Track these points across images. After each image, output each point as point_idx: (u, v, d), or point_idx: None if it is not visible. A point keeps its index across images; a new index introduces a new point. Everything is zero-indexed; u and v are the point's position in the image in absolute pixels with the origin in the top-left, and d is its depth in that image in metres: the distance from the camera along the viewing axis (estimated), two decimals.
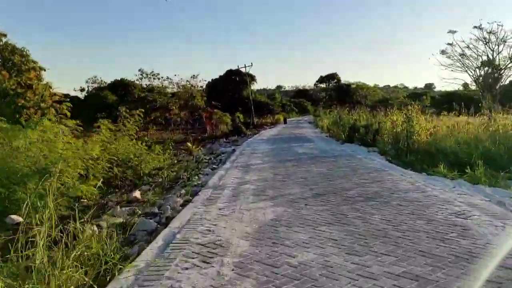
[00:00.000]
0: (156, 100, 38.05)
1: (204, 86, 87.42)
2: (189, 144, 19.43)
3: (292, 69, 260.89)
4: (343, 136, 24.94)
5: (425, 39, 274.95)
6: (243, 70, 58.96)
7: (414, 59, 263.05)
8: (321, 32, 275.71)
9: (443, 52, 39.59)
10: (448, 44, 37.97)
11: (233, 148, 22.69)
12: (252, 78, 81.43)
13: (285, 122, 67.07)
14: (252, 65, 56.41)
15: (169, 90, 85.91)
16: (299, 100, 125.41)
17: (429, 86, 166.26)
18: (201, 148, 24.96)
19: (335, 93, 79.92)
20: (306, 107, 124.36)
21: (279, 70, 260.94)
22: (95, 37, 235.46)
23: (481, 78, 36.59)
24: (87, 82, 67.01)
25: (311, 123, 62.85)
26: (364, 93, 79.23)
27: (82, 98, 62.52)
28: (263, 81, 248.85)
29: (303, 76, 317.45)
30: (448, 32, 37.84)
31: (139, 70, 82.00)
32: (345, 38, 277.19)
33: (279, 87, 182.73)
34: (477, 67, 36.71)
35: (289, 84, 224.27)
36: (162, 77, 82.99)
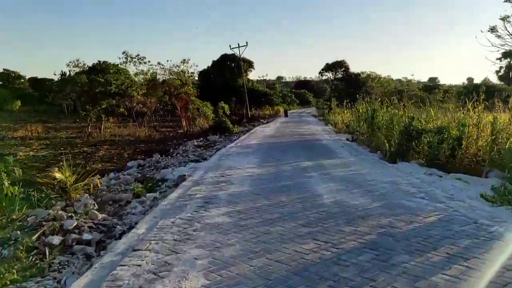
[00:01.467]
0: (111, 83, 26.88)
1: (196, 74, 76.59)
2: (58, 175, 7.71)
3: (293, 60, 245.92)
4: (387, 146, 13.81)
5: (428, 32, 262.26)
6: (236, 51, 47.38)
7: (420, 52, 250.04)
8: (324, 19, 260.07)
9: (493, 29, 28.38)
10: (502, 19, 26.79)
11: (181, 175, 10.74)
12: (250, 64, 70.19)
13: (285, 114, 55.95)
14: (247, 45, 45.24)
15: (160, 77, 74.70)
16: (301, 91, 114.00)
17: (433, 80, 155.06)
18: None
19: (343, 84, 68.61)
20: (307, 99, 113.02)
21: (279, 60, 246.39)
22: (87, 19, 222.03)
23: None
24: (68, 65, 56.54)
25: (316, 117, 51.74)
26: (375, 84, 67.88)
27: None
28: (263, 72, 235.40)
29: (305, 67, 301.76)
30: (504, 1, 26.66)
31: (123, 52, 70.81)
32: (351, 27, 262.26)
33: (279, 78, 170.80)
34: None
35: (290, 75, 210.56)
36: (149, 62, 71.43)
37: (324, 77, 71.69)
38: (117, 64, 71.73)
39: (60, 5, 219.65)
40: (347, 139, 20.26)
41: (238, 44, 44.08)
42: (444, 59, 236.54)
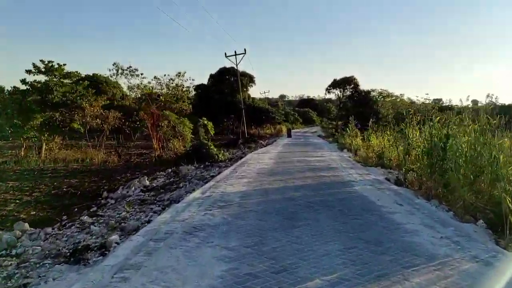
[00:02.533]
0: (52, 90, 19.04)
1: (192, 89, 69.12)
2: None
3: (297, 79, 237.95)
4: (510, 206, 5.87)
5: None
6: (233, 59, 39.73)
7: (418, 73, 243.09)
8: (330, 37, 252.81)
9: None
10: None
11: None
12: (250, 78, 62.88)
13: (289, 134, 48.15)
14: (245, 53, 37.50)
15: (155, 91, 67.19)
16: (304, 110, 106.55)
17: (438, 101, 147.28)
18: None
19: (352, 102, 60.96)
20: (311, 118, 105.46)
21: (282, 79, 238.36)
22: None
23: None
24: None
25: (324, 138, 43.90)
26: (388, 104, 60.26)
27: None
28: (265, 88, 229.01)
29: (309, 86, 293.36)
30: None
31: (114, 64, 63.69)
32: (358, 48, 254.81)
33: (282, 96, 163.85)
34: None
35: (293, 93, 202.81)
36: (142, 74, 64.28)
37: (331, 95, 64.04)
38: (107, 77, 64.45)
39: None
40: (387, 179, 12.43)
41: (235, 52, 36.43)
42: (444, 81, 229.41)
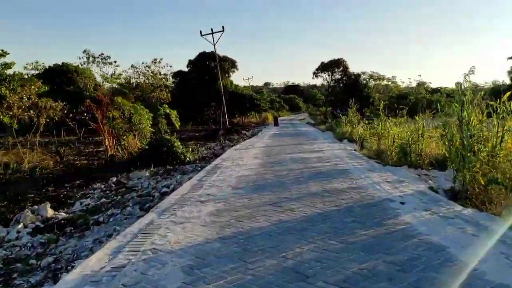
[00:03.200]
0: None
1: (170, 76, 63.26)
2: None
3: (281, 66, 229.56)
4: None
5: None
6: (210, 38, 34.38)
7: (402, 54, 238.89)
8: (316, 21, 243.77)
9: None
10: None
11: None
12: (232, 63, 57.58)
13: (275, 123, 43.28)
14: (223, 31, 32.08)
15: (133, 81, 61.54)
16: (290, 96, 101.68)
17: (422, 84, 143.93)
18: None
19: (341, 87, 56.22)
20: (297, 104, 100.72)
21: (266, 66, 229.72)
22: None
23: None
24: (25, 68, 44.38)
25: (315, 126, 39.24)
26: (380, 87, 55.85)
27: None
28: (249, 75, 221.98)
29: (294, 73, 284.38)
30: None
31: (84, 51, 57.85)
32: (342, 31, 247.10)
33: (266, 84, 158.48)
34: None
35: (277, 80, 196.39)
36: (115, 62, 58.86)
37: (319, 79, 59.23)
38: (78, 65, 58.65)
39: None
40: (433, 190, 7.80)
41: (212, 30, 31.15)
42: (427, 62, 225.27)
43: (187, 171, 12.09)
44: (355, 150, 16.16)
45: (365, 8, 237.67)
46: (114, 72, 61.79)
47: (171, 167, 12.90)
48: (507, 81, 54.61)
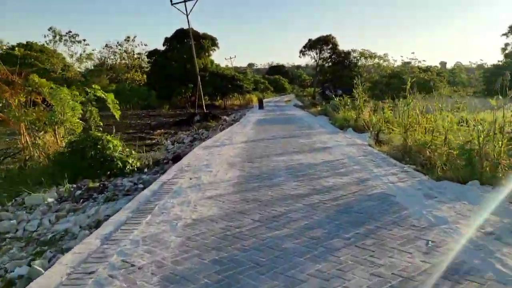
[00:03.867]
0: None
1: (144, 56, 57.13)
2: None
3: (265, 46, 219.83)
4: None
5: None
6: (181, 7, 28.91)
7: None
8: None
9: None
10: None
11: None
12: (213, 41, 51.91)
13: (260, 105, 38.34)
14: (197, 1, 26.52)
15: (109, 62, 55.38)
16: (275, 77, 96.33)
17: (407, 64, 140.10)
18: None
19: (330, 66, 51.29)
20: (283, 85, 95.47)
21: (250, 47, 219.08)
22: None
23: None
24: None
25: (304, 109, 34.57)
26: (370, 66, 51.09)
27: None
28: (231, 54, 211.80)
29: (278, 54, 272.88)
30: None
31: (50, 29, 51.59)
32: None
33: (250, 65, 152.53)
34: None
35: (262, 61, 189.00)
36: (84, 41, 52.66)
37: (306, 58, 54.14)
38: (43, 44, 52.25)
39: None
40: None
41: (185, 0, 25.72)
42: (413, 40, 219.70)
43: (118, 194, 7.23)
44: (370, 145, 11.47)
45: None
46: (84, 51, 55.87)
47: (101, 183, 8.04)
48: (500, 58, 50.54)
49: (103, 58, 58.05)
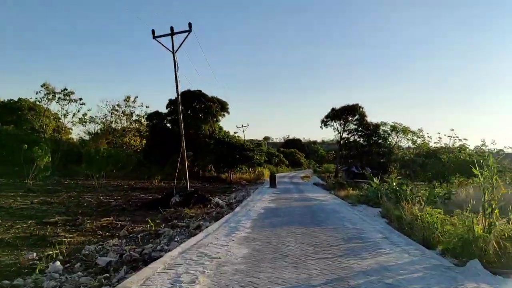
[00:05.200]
0: None
1: (144, 119, 49.67)
2: None
3: (282, 121, 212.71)
4: None
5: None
6: (166, 42, 21.03)
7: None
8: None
9: None
10: None
11: None
12: (222, 106, 44.71)
13: (272, 183, 29.06)
14: (190, 31, 18.83)
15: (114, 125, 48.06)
16: (291, 151, 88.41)
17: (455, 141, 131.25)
18: None
19: (356, 140, 42.74)
20: (298, 160, 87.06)
21: (266, 123, 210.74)
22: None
23: None
24: None
25: (330, 191, 25.37)
26: (404, 143, 42.25)
27: None
28: (242, 124, 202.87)
29: (295, 129, 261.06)
30: None
31: (43, 85, 45.19)
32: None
33: (266, 138, 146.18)
34: None
35: (277, 135, 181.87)
36: (80, 100, 45.43)
37: (328, 129, 45.98)
38: (35, 102, 45.86)
39: None
40: None
41: (171, 30, 17.99)
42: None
43: None
44: None
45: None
46: (78, 111, 49.11)
47: None
48: None
49: (107, 121, 50.73)
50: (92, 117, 47.98)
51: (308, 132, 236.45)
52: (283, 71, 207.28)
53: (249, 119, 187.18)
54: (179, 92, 19.87)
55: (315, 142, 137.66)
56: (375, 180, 18.48)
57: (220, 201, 16.84)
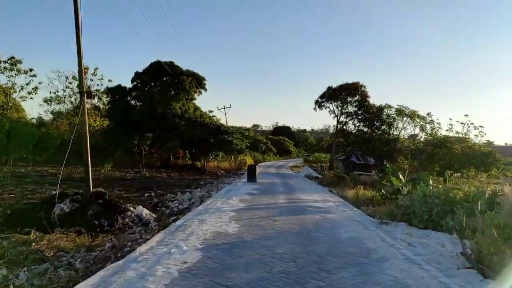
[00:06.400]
0: None
1: (102, 94, 40.48)
2: None
3: (271, 110, 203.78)
4: None
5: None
6: None
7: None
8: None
9: None
10: None
11: None
12: (198, 81, 36.84)
13: (251, 175, 20.92)
14: None
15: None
16: (279, 138, 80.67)
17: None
18: None
19: (363, 122, 35.09)
20: (287, 148, 79.33)
21: (255, 110, 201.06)
22: None
23: None
24: None
25: (328, 186, 17.56)
26: (414, 124, 34.77)
27: None
28: (235, 122, 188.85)
29: (285, 116, 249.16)
30: None
31: None
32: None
33: (255, 125, 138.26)
34: None
35: (267, 123, 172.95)
36: (30, 70, 36.61)
37: (322, 111, 38.31)
38: None
39: None
40: None
41: None
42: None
43: None
44: None
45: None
46: (27, 84, 40.66)
47: None
48: None
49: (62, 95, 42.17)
50: (59, 97, 38.94)
51: (297, 122, 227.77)
52: (274, 55, 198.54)
53: (238, 107, 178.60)
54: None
55: (304, 131, 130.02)
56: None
57: (143, 213, 9.08)
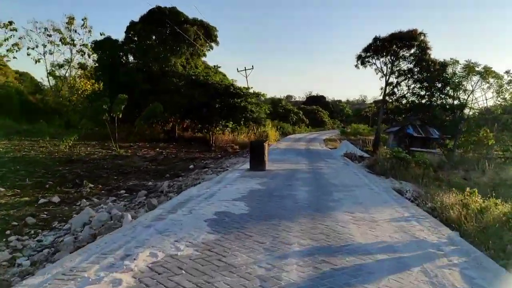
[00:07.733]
0: None
1: (89, 48, 31.04)
2: None
3: (304, 80, 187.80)
4: None
5: None
6: None
7: None
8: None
9: None
10: None
11: None
12: (207, 31, 28.49)
13: (256, 160, 12.57)
14: None
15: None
16: (312, 108, 71.19)
17: None
18: None
19: (424, 80, 25.51)
20: (321, 118, 69.77)
21: (289, 79, 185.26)
22: None
23: None
24: None
25: (386, 177, 8.04)
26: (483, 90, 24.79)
27: None
28: (248, 72, 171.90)
29: (320, 87, 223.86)
30: None
31: None
32: None
33: (288, 96, 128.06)
34: None
35: (301, 94, 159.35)
36: (10, 23, 29.42)
37: (366, 68, 28.89)
38: None
39: None
40: None
41: None
42: None
43: None
44: None
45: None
46: (6, 39, 33.72)
47: None
48: None
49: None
50: (14, 45, 30.80)
51: (332, 93, 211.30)
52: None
53: (270, 78, 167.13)
54: None
55: (340, 101, 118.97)
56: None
57: None
